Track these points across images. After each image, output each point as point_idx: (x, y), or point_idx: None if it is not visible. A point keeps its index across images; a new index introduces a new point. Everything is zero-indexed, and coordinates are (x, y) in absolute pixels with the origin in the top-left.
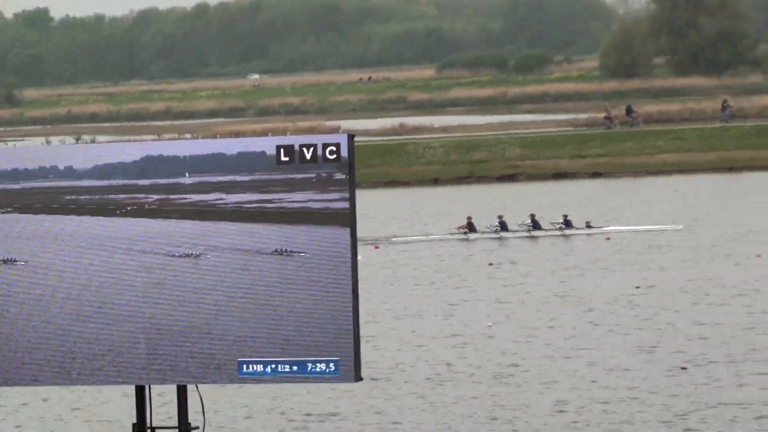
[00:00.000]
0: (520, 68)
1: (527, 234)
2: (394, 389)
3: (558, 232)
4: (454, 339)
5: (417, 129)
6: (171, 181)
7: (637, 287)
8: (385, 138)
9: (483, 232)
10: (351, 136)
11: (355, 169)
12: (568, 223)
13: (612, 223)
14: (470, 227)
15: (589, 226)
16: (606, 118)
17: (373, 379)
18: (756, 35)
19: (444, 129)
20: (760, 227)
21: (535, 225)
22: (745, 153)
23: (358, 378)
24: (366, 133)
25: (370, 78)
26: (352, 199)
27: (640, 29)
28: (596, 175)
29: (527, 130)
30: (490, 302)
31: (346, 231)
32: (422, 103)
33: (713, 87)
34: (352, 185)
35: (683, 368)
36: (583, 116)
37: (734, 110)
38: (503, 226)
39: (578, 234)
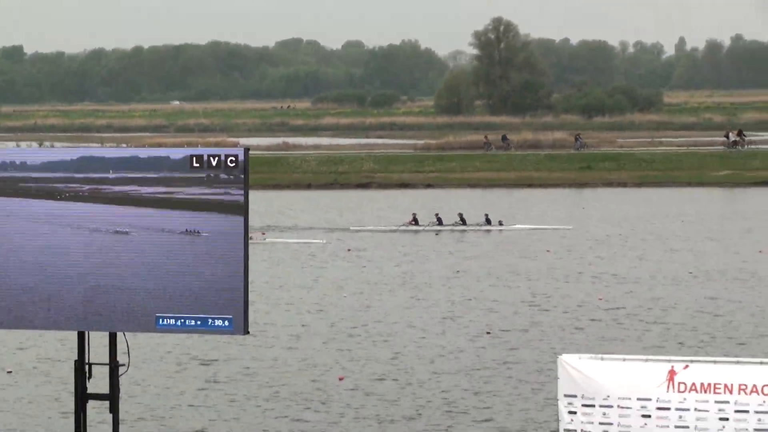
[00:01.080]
0: (375, 104)
1: (458, 229)
2: (271, 340)
3: (482, 228)
4: (316, 305)
5: (296, 146)
6: (99, 175)
7: (457, 271)
8: (271, 152)
9: (425, 226)
10: (246, 150)
11: (248, 174)
12: (488, 221)
13: (519, 222)
14: (415, 222)
15: (500, 224)
16: (485, 143)
17: (253, 335)
18: (550, 86)
19: (316, 147)
20: (556, 228)
21: (463, 221)
22: (541, 173)
23: (246, 331)
24: (258, 147)
25: (289, 106)
26: (246, 196)
27: (465, 78)
28: (429, 186)
29: (379, 150)
30: (347, 279)
31: (241, 218)
32: (301, 127)
33: (518, 124)
34: (246, 185)
35: (488, 333)
36: (420, 142)
37: (584, 142)
38: (440, 222)
39: (496, 229)
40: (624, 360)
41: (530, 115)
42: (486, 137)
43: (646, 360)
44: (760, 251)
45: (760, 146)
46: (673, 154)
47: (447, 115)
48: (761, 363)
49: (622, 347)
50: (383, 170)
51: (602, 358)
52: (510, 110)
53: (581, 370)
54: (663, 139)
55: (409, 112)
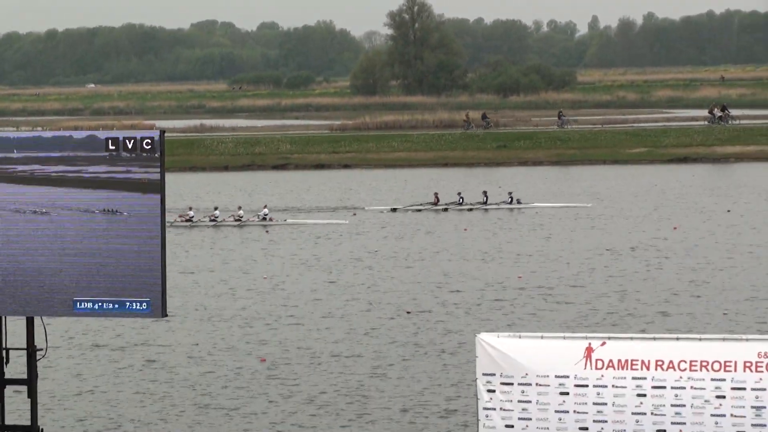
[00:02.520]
0: (291, 85)
1: (482, 207)
2: (190, 323)
3: (506, 206)
4: (232, 289)
5: (213, 128)
6: (5, 155)
7: (376, 250)
8: (188, 134)
9: (447, 204)
10: (162, 132)
11: (164, 155)
12: (512, 200)
13: (537, 201)
14: (437, 201)
15: (518, 202)
16: (465, 122)
17: (173, 316)
18: (465, 66)
19: (233, 129)
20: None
21: (487, 199)
22: (456, 153)
23: (165, 314)
24: (174, 130)
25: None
26: (162, 176)
27: (381, 59)
28: (346, 166)
29: (295, 132)
30: (268, 262)
31: (158, 198)
32: (217, 109)
33: (433, 104)
34: (162, 167)
35: (408, 312)
36: (337, 122)
37: (568, 119)
38: (462, 201)
39: (523, 208)
40: (542, 338)
41: (445, 95)
42: (467, 116)
43: (564, 337)
44: (675, 227)
45: (742, 122)
46: (588, 132)
47: (362, 96)
48: (677, 339)
49: (540, 325)
50: (300, 151)
51: (520, 336)
52: (425, 90)
53: (499, 348)
54: (578, 118)
55: (325, 93)
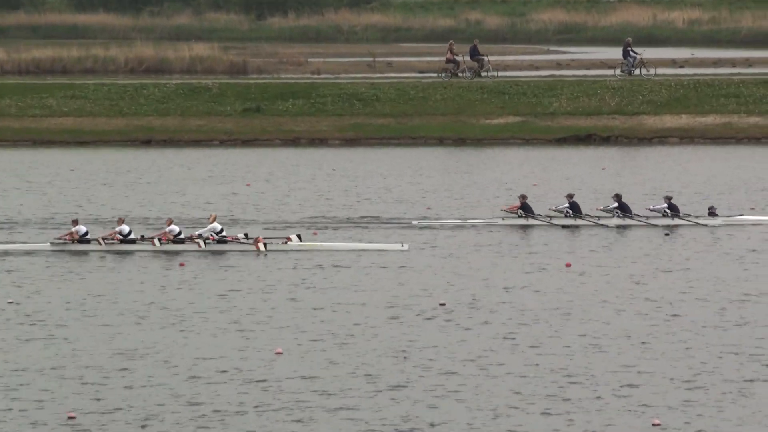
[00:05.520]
0: None
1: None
2: None
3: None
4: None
5: None
6: None
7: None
8: None
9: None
10: None
11: None
12: (712, 212)
13: (745, 213)
14: (523, 209)
15: (712, 214)
16: (449, 60)
17: None
18: None
19: None
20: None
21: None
22: (170, 120)
23: None
24: None
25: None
26: None
27: None
28: None
29: None
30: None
31: None
32: None
33: (127, 29)
34: None
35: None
36: None
37: (642, 58)
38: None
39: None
40: None
41: (149, 12)
42: (450, 50)
43: None
44: (568, 264)
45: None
46: (413, 86)
47: None
48: None
49: None
50: None
51: None
52: (112, 5)
53: None
54: (393, 59)
55: None
